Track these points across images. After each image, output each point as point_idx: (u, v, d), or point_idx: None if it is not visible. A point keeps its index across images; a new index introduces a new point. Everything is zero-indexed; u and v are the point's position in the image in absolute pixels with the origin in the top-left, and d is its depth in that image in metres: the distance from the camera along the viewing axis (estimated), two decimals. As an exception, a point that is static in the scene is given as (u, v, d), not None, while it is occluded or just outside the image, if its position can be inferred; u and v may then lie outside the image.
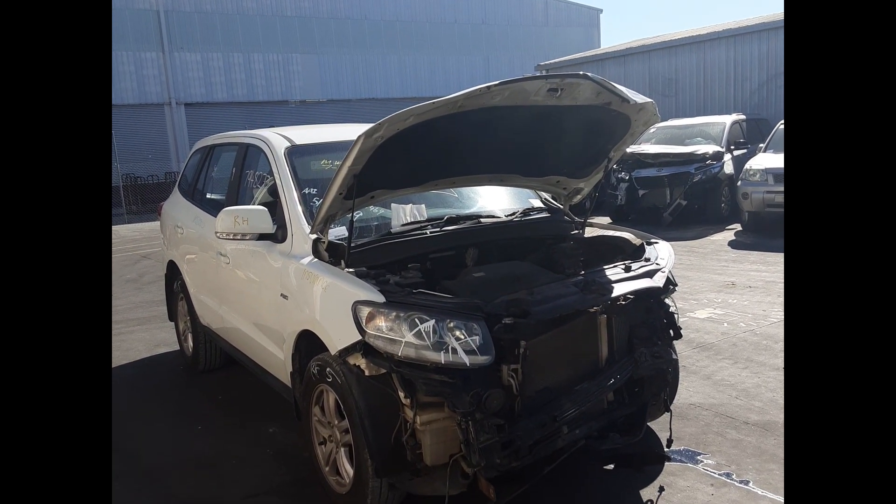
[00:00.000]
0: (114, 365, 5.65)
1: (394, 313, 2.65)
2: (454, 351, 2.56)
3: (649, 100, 3.13)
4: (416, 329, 2.60)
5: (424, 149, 3.10)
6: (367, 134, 2.70)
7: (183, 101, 25.96)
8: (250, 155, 4.23)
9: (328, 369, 2.93)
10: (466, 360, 2.56)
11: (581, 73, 2.83)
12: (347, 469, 3.02)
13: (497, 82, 2.64)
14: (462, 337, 2.59)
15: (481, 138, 3.22)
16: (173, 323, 5.78)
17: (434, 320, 2.61)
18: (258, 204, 3.86)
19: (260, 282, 3.74)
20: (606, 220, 12.01)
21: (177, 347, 5.79)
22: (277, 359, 3.61)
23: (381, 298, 2.70)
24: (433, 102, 2.64)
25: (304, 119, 26.34)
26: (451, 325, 2.61)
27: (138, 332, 6.73)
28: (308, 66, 28.14)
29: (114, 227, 17.80)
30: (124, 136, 23.60)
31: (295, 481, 3.47)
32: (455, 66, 31.37)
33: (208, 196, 4.96)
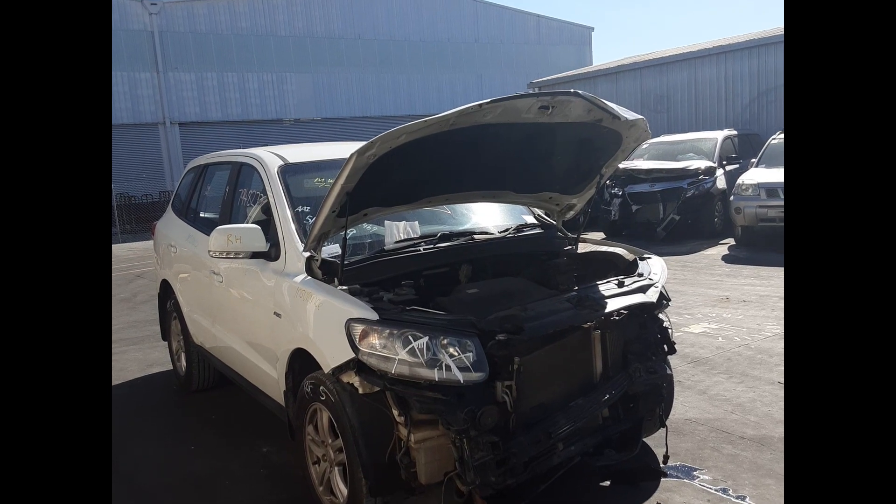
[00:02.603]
0: (107, 385, 5.60)
1: (387, 331, 2.65)
2: (448, 368, 2.55)
3: (640, 116, 3.15)
4: (410, 346, 2.59)
5: (417, 166, 3.11)
6: (360, 152, 2.71)
7: (177, 121, 25.99)
8: (244, 173, 4.24)
9: (322, 387, 2.91)
10: (460, 377, 2.56)
11: (572, 90, 2.85)
12: (341, 488, 2.99)
13: (489, 100, 2.66)
14: (456, 354, 2.59)
15: (474, 155, 3.23)
16: (166, 342, 5.74)
17: (427, 337, 2.60)
18: (252, 222, 3.86)
19: (253, 300, 3.73)
20: (600, 235, 12.03)
21: (170, 367, 5.75)
22: (271, 377, 3.59)
23: (374, 316, 2.69)
24: (426, 120, 2.66)
25: (299, 138, 26.41)
26: (445, 342, 2.61)
27: (131, 352, 6.70)
28: (302, 84, 28.25)
29: (107, 247, 17.73)
30: (119, 156, 23.60)
31: (288, 501, 3.44)
32: (448, 84, 31.56)
33: (202, 215, 4.96)
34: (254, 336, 3.79)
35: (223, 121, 26.73)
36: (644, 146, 13.10)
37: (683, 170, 11.43)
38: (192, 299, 4.89)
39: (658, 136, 13.76)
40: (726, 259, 9.59)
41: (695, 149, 12.34)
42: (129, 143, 24.77)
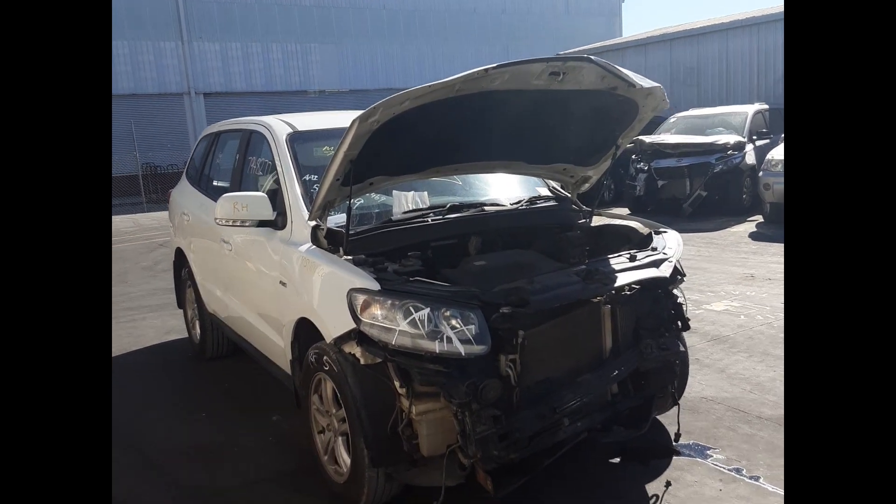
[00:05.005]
0: (124, 351, 5.68)
1: (389, 301, 2.59)
2: (449, 340, 2.49)
3: (657, 84, 3.03)
4: (411, 317, 2.53)
5: (424, 134, 3.03)
6: (362, 118, 2.64)
7: (202, 91, 26.03)
8: (254, 141, 4.19)
9: (325, 357, 2.88)
10: (461, 349, 2.50)
11: (584, 55, 2.74)
12: (345, 458, 2.97)
13: (495, 65, 2.56)
14: (458, 326, 2.52)
15: (484, 124, 3.14)
16: (182, 310, 5.77)
17: (429, 309, 2.54)
18: (264, 191, 3.81)
19: (260, 269, 3.70)
20: (625, 211, 11.85)
21: (187, 334, 5.80)
22: (278, 346, 3.57)
23: (376, 286, 2.64)
24: (430, 85, 2.57)
25: (324, 110, 26.25)
26: (447, 313, 2.54)
27: (150, 319, 6.76)
28: (326, 55, 28.08)
29: (133, 216, 17.99)
30: (144, 126, 23.77)
31: (295, 470, 3.43)
32: (474, 55, 31.12)
33: (214, 183, 4.93)
34: (261, 305, 3.77)
35: (247, 91, 26.72)
36: (672, 120, 12.83)
37: (712, 144, 11.14)
38: (204, 268, 4.89)
39: (687, 109, 13.45)
40: (753, 236, 9.37)
41: (724, 123, 12.02)
42: (155, 112, 24.92)
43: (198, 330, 5.28)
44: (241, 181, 4.24)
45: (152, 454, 3.76)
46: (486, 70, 2.54)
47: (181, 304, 5.73)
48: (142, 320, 6.75)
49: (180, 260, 5.47)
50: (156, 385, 4.86)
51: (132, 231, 14.74)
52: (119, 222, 16.54)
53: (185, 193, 5.32)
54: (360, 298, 2.65)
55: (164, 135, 25.12)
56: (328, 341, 2.85)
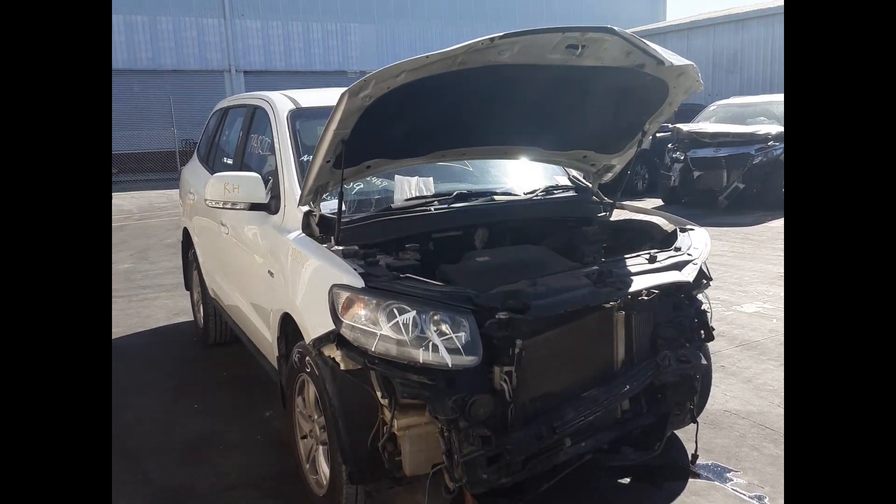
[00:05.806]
0: (130, 332, 5.54)
1: (373, 301, 2.31)
2: (435, 349, 2.20)
3: (689, 63, 2.68)
4: (395, 321, 2.25)
5: (427, 113, 2.74)
6: (352, 92, 2.35)
7: (242, 69, 26.02)
8: (257, 118, 3.93)
9: (307, 358, 2.62)
10: (448, 359, 2.20)
11: (606, 26, 2.40)
12: (325, 469, 2.72)
13: (502, 34, 2.24)
14: (447, 332, 2.23)
15: (494, 104, 2.83)
16: (189, 293, 5.60)
17: (415, 312, 2.25)
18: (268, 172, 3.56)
19: (251, 256, 3.46)
20: (658, 202, 11.40)
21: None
22: (267, 340, 3.33)
23: (359, 282, 2.36)
24: (428, 56, 2.27)
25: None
26: (436, 318, 2.26)
27: (162, 300, 6.62)
28: (366, 36, 27.85)
29: (168, 192, 18.00)
30: (184, 102, 23.83)
31: (279, 474, 3.20)
32: (514, 38, 30.48)
33: (222, 161, 4.71)
34: (252, 295, 3.53)
35: (287, 70, 26.64)
36: (712, 108, 12.28)
37: (752, 135, 10.60)
38: (206, 250, 4.69)
39: (729, 97, 12.86)
40: (793, 233, 8.86)
41: (766, 112, 11.43)
42: (195, 89, 24.96)
43: (201, 314, 5.09)
44: (242, 160, 4.00)
45: (133, 447, 3.56)
46: (491, 39, 2.23)
47: (188, 285, 5.55)
48: (154, 300, 6.61)
49: (188, 241, 5.28)
50: (153, 371, 4.68)
51: (164, 207, 14.74)
52: (154, 197, 16.64)
53: (193, 171, 5.12)
54: (343, 296, 2.38)
55: (204, 112, 25.01)
56: (307, 342, 2.59)
